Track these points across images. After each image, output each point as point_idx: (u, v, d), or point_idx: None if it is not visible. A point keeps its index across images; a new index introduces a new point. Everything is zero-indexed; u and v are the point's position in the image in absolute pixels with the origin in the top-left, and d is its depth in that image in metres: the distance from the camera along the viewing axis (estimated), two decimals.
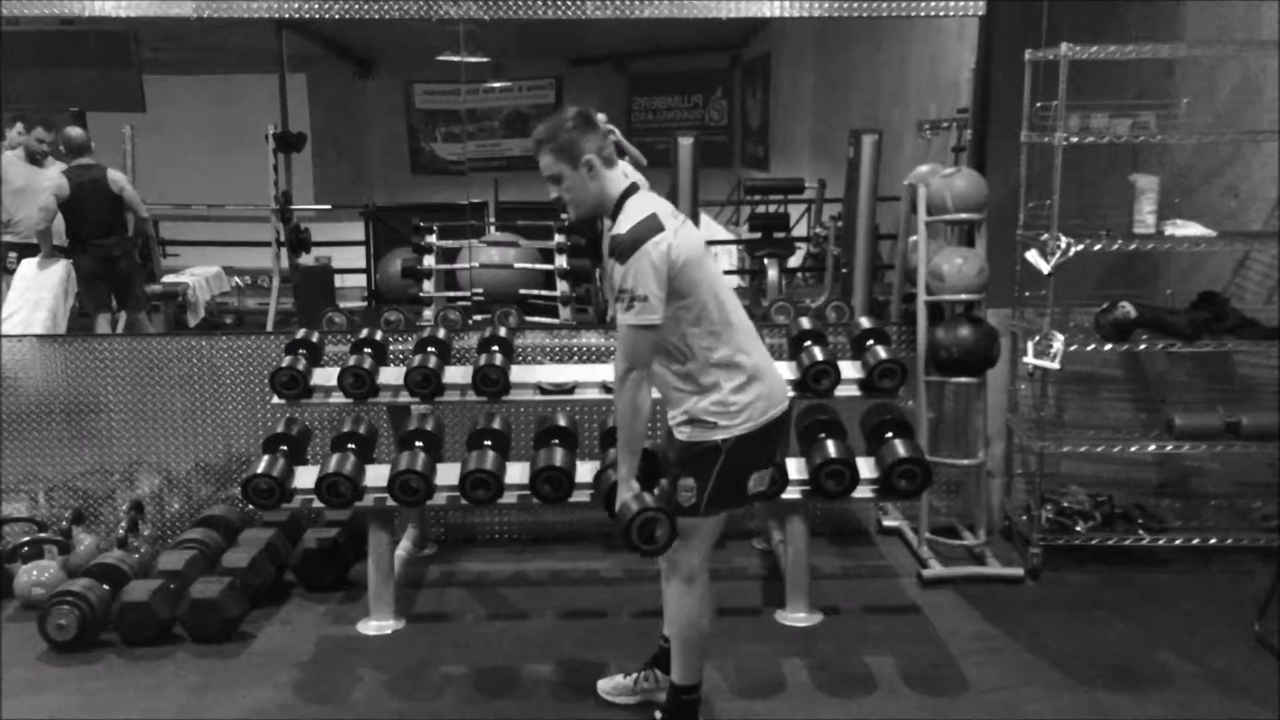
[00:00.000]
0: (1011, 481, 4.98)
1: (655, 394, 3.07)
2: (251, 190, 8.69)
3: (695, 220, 7.28)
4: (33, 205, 6.46)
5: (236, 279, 9.03)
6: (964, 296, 4.60)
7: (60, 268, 6.05)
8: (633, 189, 3.08)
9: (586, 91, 13.37)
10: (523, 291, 6.86)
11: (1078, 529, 4.57)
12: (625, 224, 2.98)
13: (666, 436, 3.21)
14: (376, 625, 4.13)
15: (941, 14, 4.80)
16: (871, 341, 4.42)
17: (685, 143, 7.13)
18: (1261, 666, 3.76)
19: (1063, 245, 4.28)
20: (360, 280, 8.86)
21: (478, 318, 6.18)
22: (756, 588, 4.49)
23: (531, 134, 3.10)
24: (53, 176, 6.57)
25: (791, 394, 3.21)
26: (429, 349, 4.49)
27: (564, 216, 5.05)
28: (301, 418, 4.63)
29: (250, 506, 4.22)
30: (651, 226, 2.94)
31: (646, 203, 3.04)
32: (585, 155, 3.01)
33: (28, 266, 6.03)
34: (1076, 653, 3.88)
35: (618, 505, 3.06)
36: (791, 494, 4.00)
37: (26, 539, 4.55)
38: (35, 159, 6.79)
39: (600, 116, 7.54)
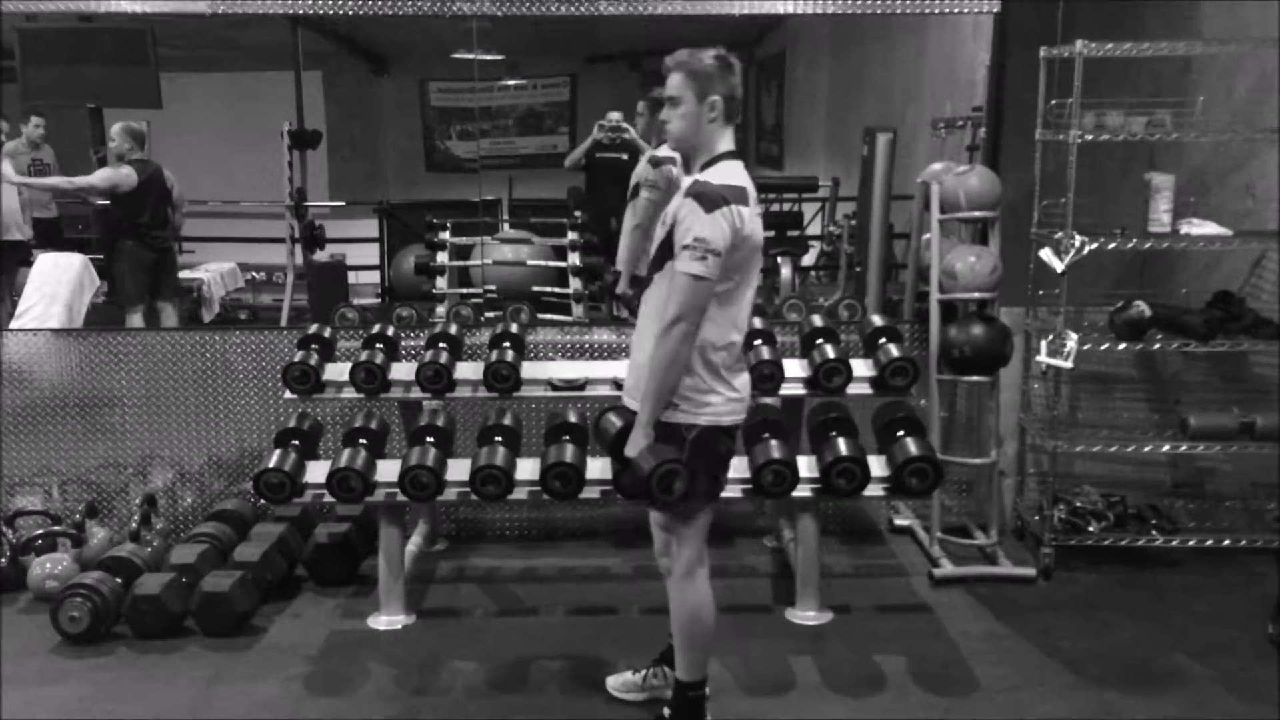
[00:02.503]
0: (1024, 481, 4.97)
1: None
2: (267, 187, 8.71)
3: None
4: None
5: (251, 275, 9.08)
6: (977, 295, 4.58)
7: (78, 262, 6.08)
8: (733, 155, 3.09)
9: (601, 89, 13.35)
10: (535, 288, 6.86)
11: (1090, 529, 4.55)
12: (719, 178, 2.99)
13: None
14: (387, 620, 4.14)
15: (956, 11, 4.79)
16: (884, 339, 4.41)
17: None
18: (1274, 669, 3.73)
19: (1077, 244, 4.26)
20: (374, 277, 8.87)
21: (490, 314, 6.18)
22: (766, 585, 4.49)
23: (669, 56, 3.08)
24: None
25: (743, 416, 3.17)
26: (441, 345, 4.50)
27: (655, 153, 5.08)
28: (313, 413, 4.65)
29: (262, 501, 4.23)
30: (741, 196, 2.97)
31: (743, 176, 3.06)
32: (714, 95, 3.02)
33: (45, 261, 6.06)
34: (1088, 653, 3.86)
35: (632, 450, 3.04)
36: (802, 492, 3.99)
37: (40, 532, 4.59)
38: None
39: (615, 115, 7.53)
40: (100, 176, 6.57)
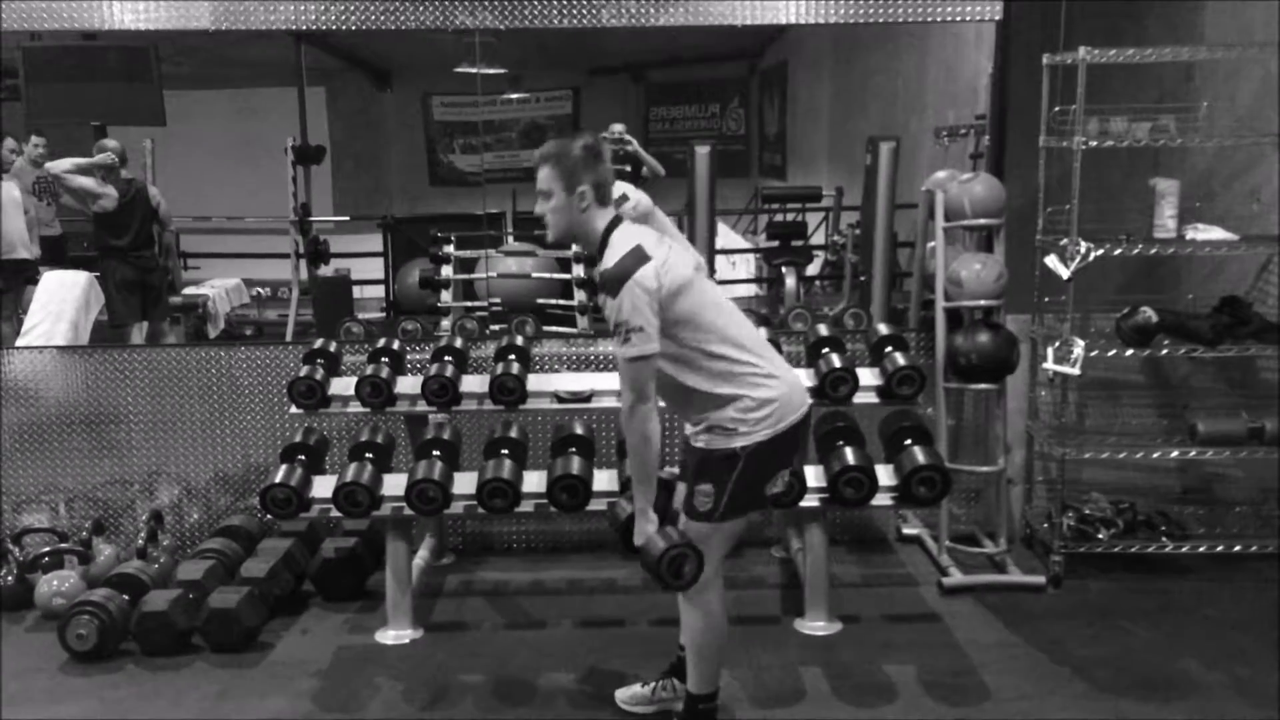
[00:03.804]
0: (1032, 488, 4.95)
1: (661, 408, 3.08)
2: (271, 203, 8.73)
3: (712, 230, 7.29)
4: None
5: (256, 290, 9.09)
6: (983, 302, 4.57)
7: (83, 279, 6.09)
8: (616, 223, 3.11)
9: (604, 101, 13.38)
10: (540, 301, 6.87)
11: (1100, 536, 4.53)
12: (612, 258, 3.01)
13: (684, 447, 3.21)
14: (395, 634, 4.13)
15: (958, 19, 4.79)
16: (890, 348, 4.39)
17: (702, 152, 7.13)
18: None
19: (1082, 250, 4.26)
20: (379, 291, 8.88)
21: (495, 327, 6.18)
22: (775, 596, 4.47)
23: (539, 148, 3.12)
24: (8, 189, 6.63)
25: (810, 401, 3.20)
26: (446, 358, 4.49)
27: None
28: (319, 427, 4.64)
29: (268, 516, 4.22)
30: (638, 257, 2.98)
31: (630, 235, 3.07)
32: (582, 186, 3.05)
33: (50, 279, 6.07)
34: (1099, 661, 3.84)
35: (639, 539, 3.09)
36: (810, 502, 3.98)
37: (47, 549, 4.58)
38: None
39: (618, 127, 7.55)
40: (93, 182, 6.59)
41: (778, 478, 3.12)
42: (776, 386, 3.06)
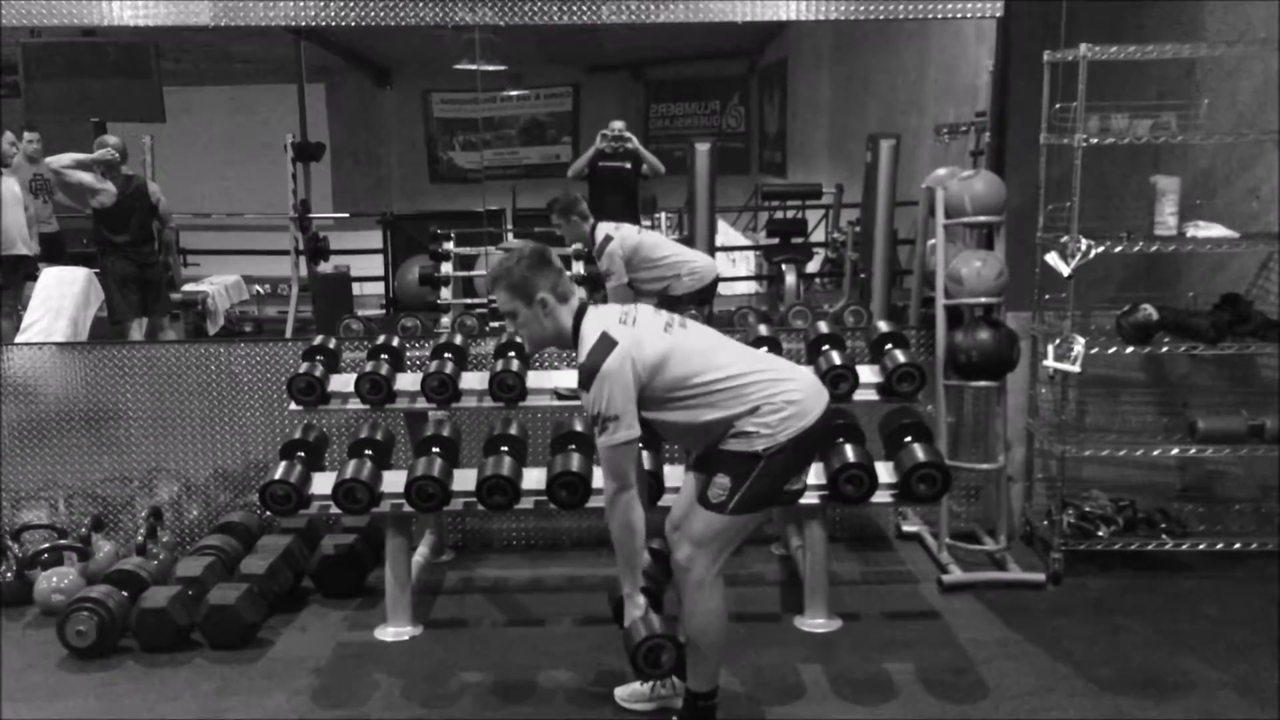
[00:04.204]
0: (1032, 486, 4.95)
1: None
2: (270, 199, 8.74)
3: (712, 227, 7.30)
4: None
5: (256, 287, 9.09)
6: (983, 300, 4.57)
7: (83, 276, 6.08)
8: (582, 313, 3.16)
9: (604, 99, 13.38)
10: None
11: (1099, 534, 4.53)
12: (583, 351, 3.08)
13: (691, 458, 3.29)
14: (394, 631, 4.13)
15: (959, 16, 4.78)
16: (890, 345, 4.40)
17: (702, 149, 7.14)
18: None
19: (1083, 247, 4.25)
20: (378, 288, 8.89)
21: (495, 324, 6.18)
22: (775, 593, 4.47)
23: (490, 270, 3.24)
24: (8, 185, 6.62)
25: (828, 397, 3.23)
26: (446, 355, 4.49)
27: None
28: (319, 424, 4.64)
29: (268, 513, 4.22)
30: (605, 346, 3.03)
31: (595, 323, 3.12)
32: (539, 294, 3.13)
33: (50, 275, 6.07)
34: (1099, 658, 3.84)
35: (625, 622, 3.20)
36: (810, 499, 3.98)
37: (46, 546, 4.58)
38: None
39: (618, 124, 7.53)
40: (91, 177, 6.59)
41: (797, 476, 3.15)
42: (794, 388, 3.11)
